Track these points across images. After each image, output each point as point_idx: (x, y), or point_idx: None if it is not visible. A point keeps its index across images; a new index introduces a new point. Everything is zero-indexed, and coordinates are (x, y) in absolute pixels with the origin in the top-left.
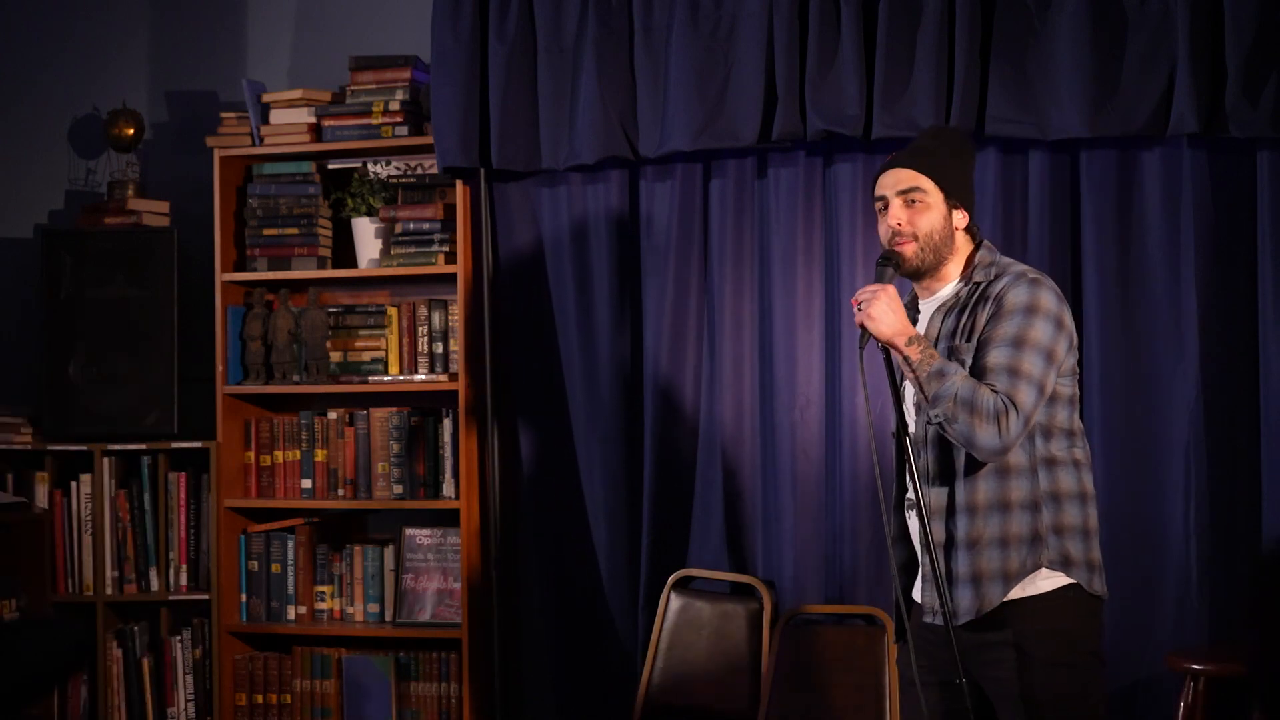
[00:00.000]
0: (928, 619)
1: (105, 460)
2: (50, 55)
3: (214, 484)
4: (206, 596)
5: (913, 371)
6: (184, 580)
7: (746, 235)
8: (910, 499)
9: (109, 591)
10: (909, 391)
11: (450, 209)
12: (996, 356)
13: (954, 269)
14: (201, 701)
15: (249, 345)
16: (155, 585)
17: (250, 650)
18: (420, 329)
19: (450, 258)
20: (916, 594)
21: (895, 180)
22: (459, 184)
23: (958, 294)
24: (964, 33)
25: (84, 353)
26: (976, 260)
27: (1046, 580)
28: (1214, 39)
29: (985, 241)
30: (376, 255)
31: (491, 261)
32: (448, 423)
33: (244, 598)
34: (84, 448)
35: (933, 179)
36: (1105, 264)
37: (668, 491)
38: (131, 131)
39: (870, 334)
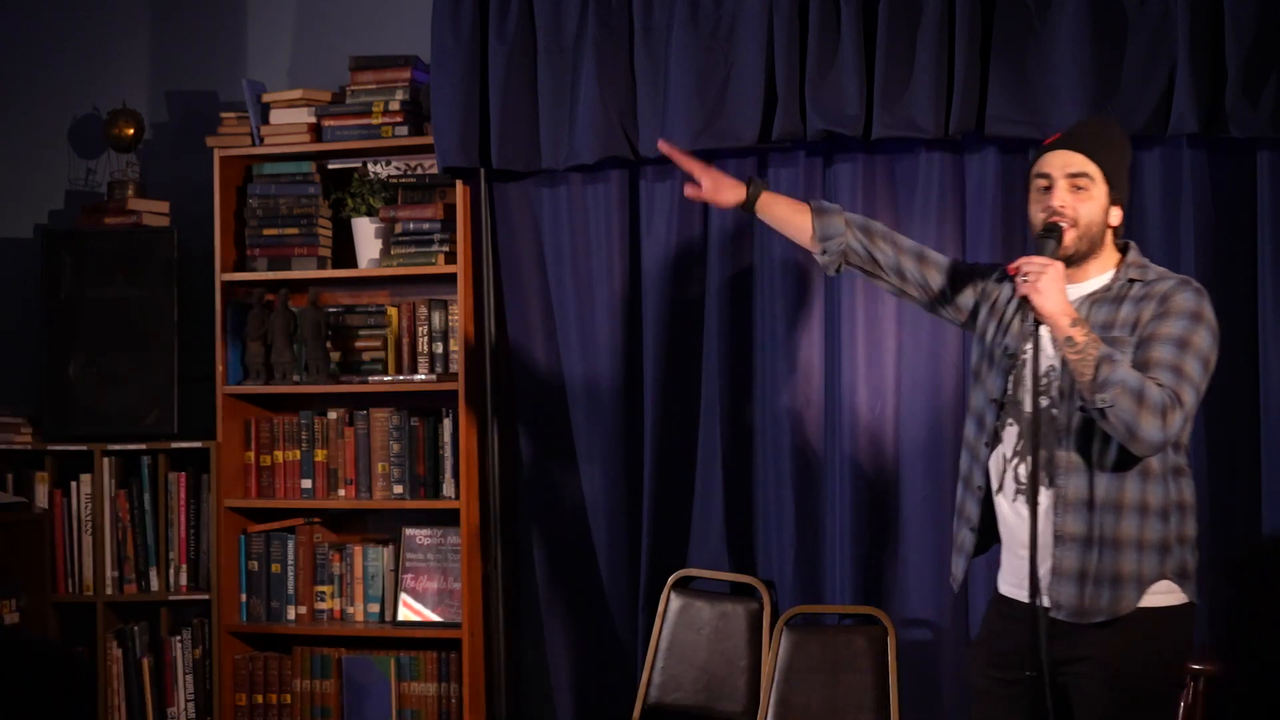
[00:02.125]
0: (1057, 615)
1: (105, 460)
2: (50, 55)
3: (214, 484)
4: (206, 596)
5: (1075, 354)
6: (184, 580)
7: (746, 235)
8: (1020, 485)
9: (109, 591)
10: (1026, 373)
11: (450, 209)
12: (1162, 353)
13: (1096, 266)
14: (201, 701)
15: (249, 345)
16: (155, 585)
17: (250, 650)
18: (420, 329)
19: (450, 258)
20: (1011, 588)
21: (1065, 162)
22: (459, 184)
23: (1109, 287)
24: (964, 33)
25: (84, 353)
26: (1129, 260)
27: (1167, 595)
28: (1214, 39)
29: (1132, 244)
30: (376, 255)
31: (491, 261)
32: (448, 423)
33: (244, 598)
34: (84, 448)
35: (1102, 170)
36: None
37: (668, 491)
38: (131, 131)
39: (1032, 307)
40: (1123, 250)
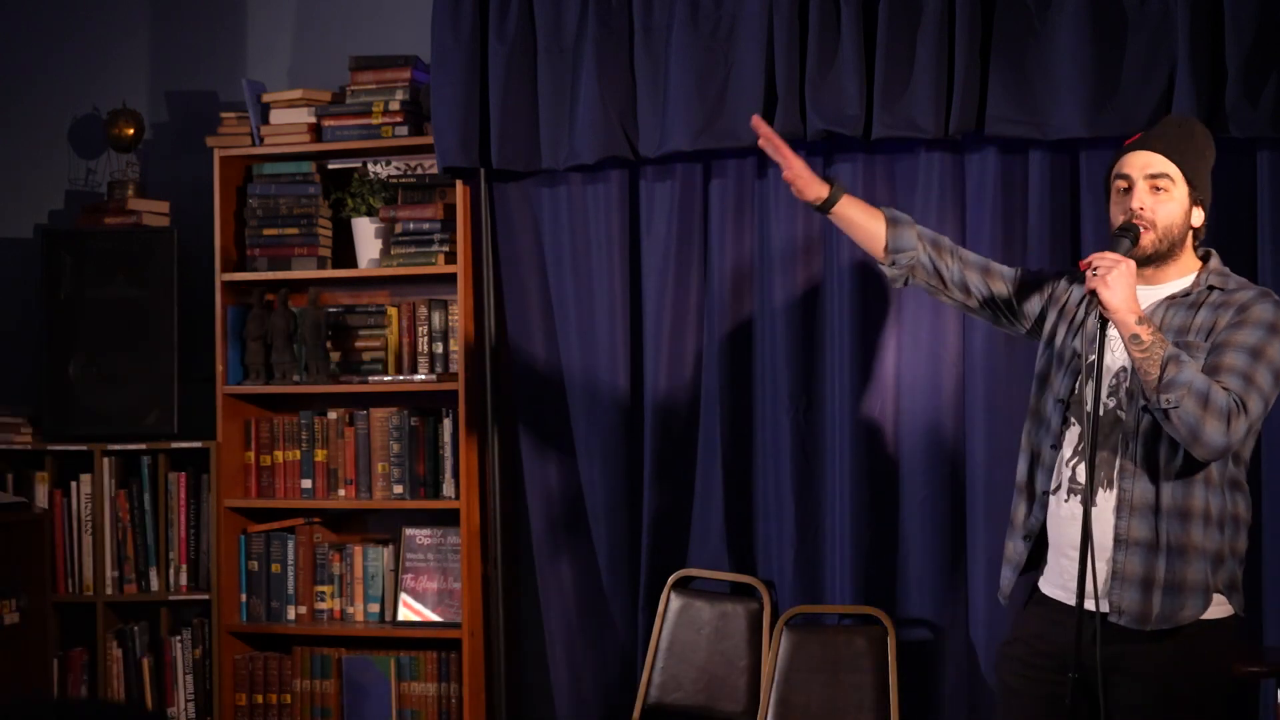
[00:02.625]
0: (1117, 620)
1: (105, 460)
2: (50, 55)
3: (214, 484)
4: (206, 596)
5: (1141, 352)
6: (184, 580)
7: (746, 235)
8: (1076, 485)
9: (109, 591)
10: (1106, 372)
11: (450, 209)
12: (1233, 360)
13: (1175, 269)
14: (201, 701)
15: (249, 345)
16: (155, 585)
17: (250, 650)
18: (420, 329)
19: (450, 258)
20: (1058, 589)
21: (1145, 163)
22: (459, 184)
23: (1189, 292)
24: (964, 33)
25: (84, 353)
26: (1211, 267)
27: (1216, 607)
28: (1214, 39)
29: (1214, 252)
30: (376, 255)
31: (491, 261)
32: (448, 423)
33: (244, 598)
34: (84, 448)
35: (1182, 171)
36: None
37: (668, 491)
38: (131, 131)
39: (1099, 301)
40: (1204, 258)
